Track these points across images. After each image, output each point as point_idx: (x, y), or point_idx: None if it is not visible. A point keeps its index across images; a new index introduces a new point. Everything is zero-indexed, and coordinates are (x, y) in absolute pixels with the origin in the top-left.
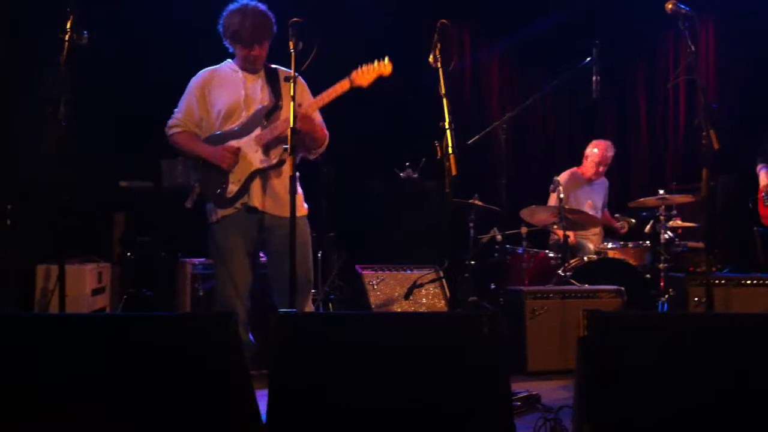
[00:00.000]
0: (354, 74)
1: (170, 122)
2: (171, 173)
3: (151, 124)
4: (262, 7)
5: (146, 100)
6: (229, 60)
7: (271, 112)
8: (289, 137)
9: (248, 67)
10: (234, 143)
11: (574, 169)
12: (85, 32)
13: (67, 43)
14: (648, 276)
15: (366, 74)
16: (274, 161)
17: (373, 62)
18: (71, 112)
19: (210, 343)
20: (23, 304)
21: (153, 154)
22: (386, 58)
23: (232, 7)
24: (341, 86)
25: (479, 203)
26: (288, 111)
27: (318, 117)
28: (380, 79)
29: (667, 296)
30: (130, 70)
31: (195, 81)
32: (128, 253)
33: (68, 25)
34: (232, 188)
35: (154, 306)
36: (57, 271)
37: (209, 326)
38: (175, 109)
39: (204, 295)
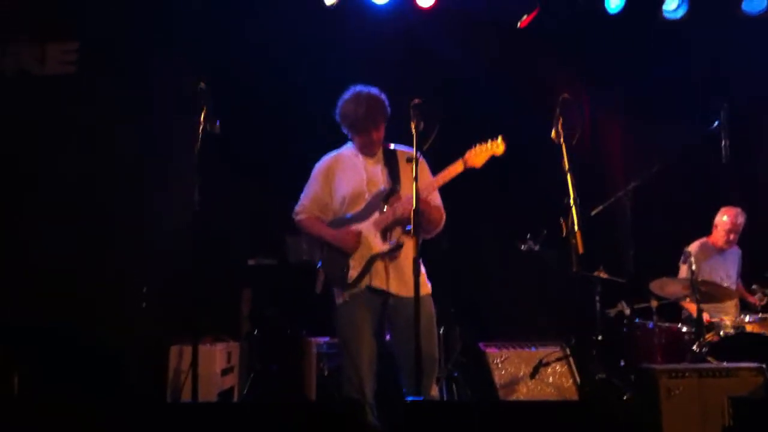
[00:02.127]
0: (467, 155)
1: (297, 208)
2: (296, 250)
3: (276, 202)
4: (374, 90)
5: (272, 179)
6: (350, 143)
7: (389, 195)
8: (412, 218)
9: (367, 151)
10: (356, 228)
11: (704, 239)
12: (217, 121)
13: (201, 132)
14: None
15: (479, 155)
16: (392, 245)
17: (486, 141)
18: (205, 193)
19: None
20: (156, 385)
21: (278, 231)
22: (499, 138)
23: (345, 95)
24: (455, 168)
25: (605, 275)
26: (406, 193)
27: (436, 198)
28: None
29: None
30: (256, 150)
31: (319, 167)
32: (255, 330)
33: (202, 115)
34: (353, 273)
35: (281, 384)
36: (190, 352)
37: (339, 413)
38: (301, 195)
39: (329, 374)
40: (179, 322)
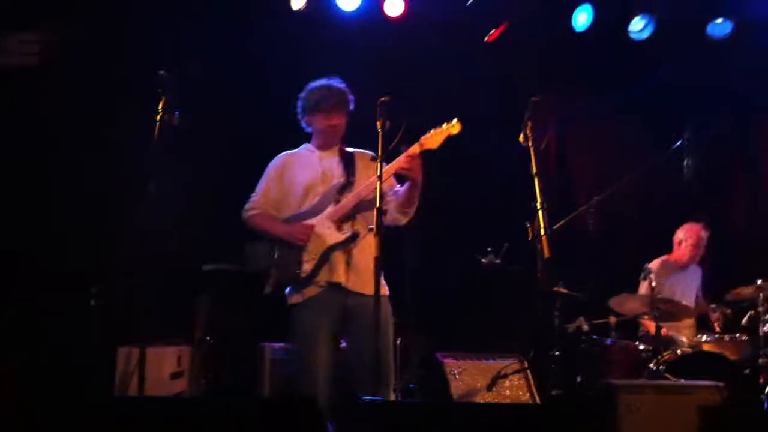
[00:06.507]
0: (423, 138)
1: (247, 205)
2: (254, 257)
3: (236, 207)
4: (343, 85)
5: (233, 183)
6: (306, 143)
7: (344, 188)
8: (375, 218)
9: (324, 143)
10: (308, 222)
11: (665, 256)
12: (176, 112)
13: (158, 123)
14: (747, 371)
15: (435, 136)
16: (346, 236)
17: (441, 125)
18: (162, 190)
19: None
20: (103, 387)
21: (237, 237)
22: (455, 119)
23: (313, 83)
24: (411, 151)
25: (564, 291)
26: (360, 186)
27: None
28: (463, 163)
29: None
30: (217, 152)
31: (273, 164)
32: (207, 337)
33: (160, 106)
34: (307, 267)
35: (234, 391)
36: (138, 354)
37: (293, 411)
38: (252, 193)
39: (284, 381)
40: (129, 324)
